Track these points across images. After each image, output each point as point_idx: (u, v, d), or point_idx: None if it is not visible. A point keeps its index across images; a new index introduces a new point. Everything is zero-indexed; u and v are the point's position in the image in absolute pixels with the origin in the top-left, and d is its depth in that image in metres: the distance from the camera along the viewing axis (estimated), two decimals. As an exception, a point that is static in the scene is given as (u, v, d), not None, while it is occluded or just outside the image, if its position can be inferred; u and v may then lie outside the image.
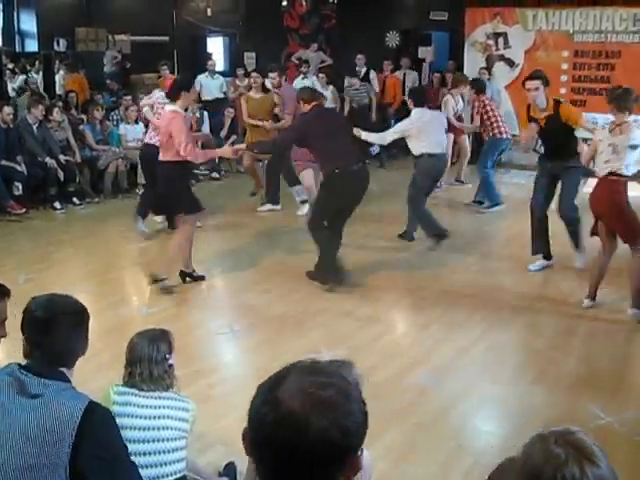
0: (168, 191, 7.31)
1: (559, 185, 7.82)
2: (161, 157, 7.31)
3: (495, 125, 10.84)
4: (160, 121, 7.50)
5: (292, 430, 1.46)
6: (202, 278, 7.82)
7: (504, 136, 10.89)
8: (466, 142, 12.53)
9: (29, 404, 2.57)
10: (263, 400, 1.52)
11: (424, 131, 8.60)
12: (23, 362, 2.80)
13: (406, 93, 14.50)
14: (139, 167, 11.09)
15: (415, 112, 8.72)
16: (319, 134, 7.08)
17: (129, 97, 12.71)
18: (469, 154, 12.46)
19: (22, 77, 14.00)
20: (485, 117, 10.91)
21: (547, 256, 8.08)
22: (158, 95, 9.74)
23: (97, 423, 2.59)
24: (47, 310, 2.81)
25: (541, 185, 7.95)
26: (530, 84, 7.67)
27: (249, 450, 1.56)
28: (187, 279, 7.69)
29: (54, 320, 2.78)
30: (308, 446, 1.46)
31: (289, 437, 1.46)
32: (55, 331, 2.76)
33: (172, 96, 7.34)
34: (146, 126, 9.94)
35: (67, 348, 2.80)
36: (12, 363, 2.76)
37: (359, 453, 1.56)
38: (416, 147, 8.71)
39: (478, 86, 11.27)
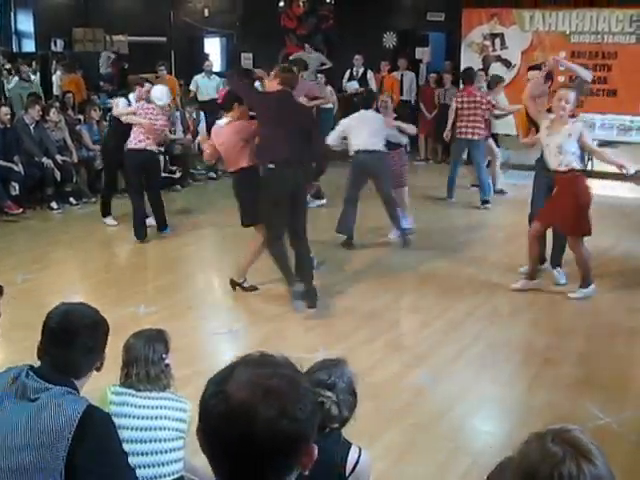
0: (254, 198, 7.09)
1: None
2: (234, 168, 7.22)
3: (457, 124, 11.01)
4: (220, 138, 7.33)
5: (241, 420, 1.46)
6: (254, 289, 7.49)
7: (462, 136, 11.05)
8: (492, 144, 12.19)
9: (27, 406, 2.56)
10: (211, 393, 1.53)
11: (357, 128, 8.74)
12: (36, 363, 2.80)
13: (404, 93, 14.61)
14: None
15: (359, 113, 8.95)
16: (267, 117, 6.91)
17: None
18: (499, 156, 12.18)
19: (16, 79, 13.97)
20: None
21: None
22: (123, 102, 9.66)
23: (95, 427, 2.57)
24: (61, 323, 2.80)
25: (541, 198, 7.54)
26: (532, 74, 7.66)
27: (201, 446, 1.56)
28: (237, 288, 7.47)
29: (65, 333, 2.77)
30: (257, 436, 1.46)
31: (238, 427, 1.47)
32: (64, 344, 2.75)
33: (226, 107, 7.33)
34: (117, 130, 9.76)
35: (75, 361, 2.78)
36: (24, 365, 2.74)
37: (313, 442, 1.57)
38: (350, 146, 8.87)
39: (464, 76, 11.55)
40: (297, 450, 1.53)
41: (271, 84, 7.21)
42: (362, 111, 8.95)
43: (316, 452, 1.58)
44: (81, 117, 12.47)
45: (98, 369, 2.92)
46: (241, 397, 1.48)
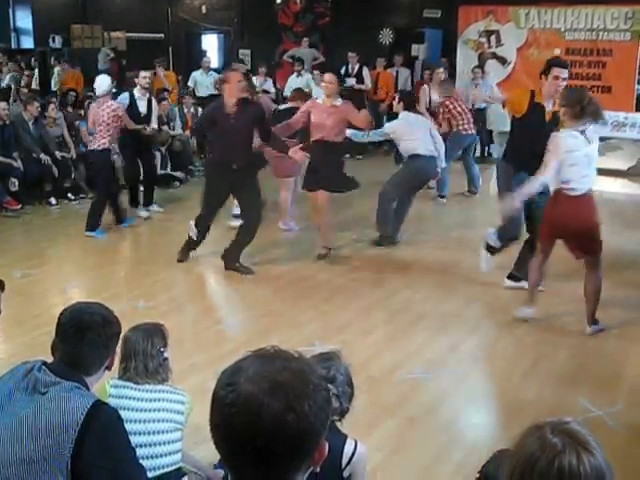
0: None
1: None
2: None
3: (460, 122, 11.12)
4: None
5: (247, 413, 1.47)
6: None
7: (468, 132, 11.22)
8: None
9: (37, 399, 2.61)
10: (222, 385, 1.54)
11: (410, 132, 8.66)
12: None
13: (398, 89, 14.65)
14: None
15: (402, 115, 8.85)
16: None
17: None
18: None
19: (11, 75, 14.04)
20: (449, 115, 11.20)
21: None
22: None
23: (102, 422, 2.61)
24: (72, 319, 2.85)
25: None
26: (562, 72, 6.68)
27: (213, 438, 1.57)
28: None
29: (76, 329, 2.82)
30: (264, 429, 1.46)
31: (244, 420, 1.47)
32: (74, 340, 2.80)
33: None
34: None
35: (85, 357, 2.82)
36: (38, 359, 2.80)
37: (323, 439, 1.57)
38: (405, 149, 8.81)
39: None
40: (307, 446, 1.53)
41: None
42: (406, 113, 8.85)
43: (327, 449, 1.59)
44: (82, 112, 12.48)
45: (108, 368, 2.97)
46: (249, 390, 1.49)
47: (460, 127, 11.09)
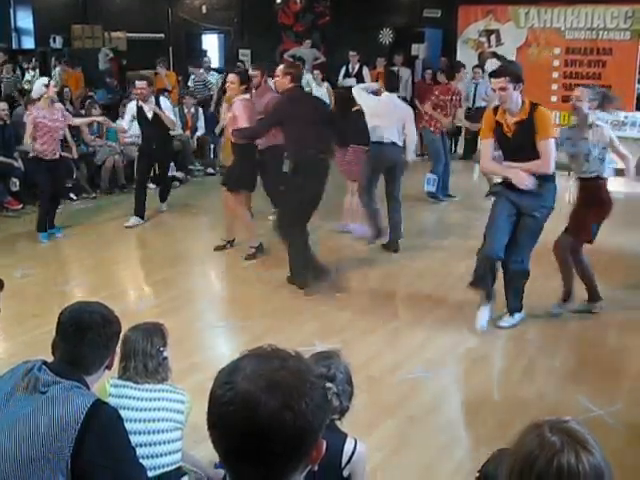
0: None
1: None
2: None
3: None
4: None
5: (244, 411, 1.47)
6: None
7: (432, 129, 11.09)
8: None
9: (37, 399, 2.61)
10: (219, 383, 1.54)
11: (380, 115, 8.35)
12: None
13: (399, 89, 14.66)
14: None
15: (384, 94, 8.61)
16: (296, 117, 7.01)
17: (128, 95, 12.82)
18: None
19: (8, 78, 14.09)
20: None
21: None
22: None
23: (102, 421, 2.61)
24: (72, 318, 2.86)
25: (501, 223, 6.26)
26: (495, 82, 5.95)
27: (210, 437, 1.57)
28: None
29: (76, 328, 2.83)
30: (261, 428, 1.47)
31: (241, 418, 1.47)
32: (74, 340, 2.81)
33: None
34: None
35: (85, 357, 2.83)
36: (38, 359, 2.81)
37: (320, 438, 1.57)
38: (371, 132, 8.48)
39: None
40: (304, 444, 1.53)
41: (282, 82, 7.34)
42: (388, 94, 8.59)
43: (324, 447, 1.59)
44: (83, 112, 12.49)
45: (108, 367, 2.98)
46: (246, 388, 1.49)
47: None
